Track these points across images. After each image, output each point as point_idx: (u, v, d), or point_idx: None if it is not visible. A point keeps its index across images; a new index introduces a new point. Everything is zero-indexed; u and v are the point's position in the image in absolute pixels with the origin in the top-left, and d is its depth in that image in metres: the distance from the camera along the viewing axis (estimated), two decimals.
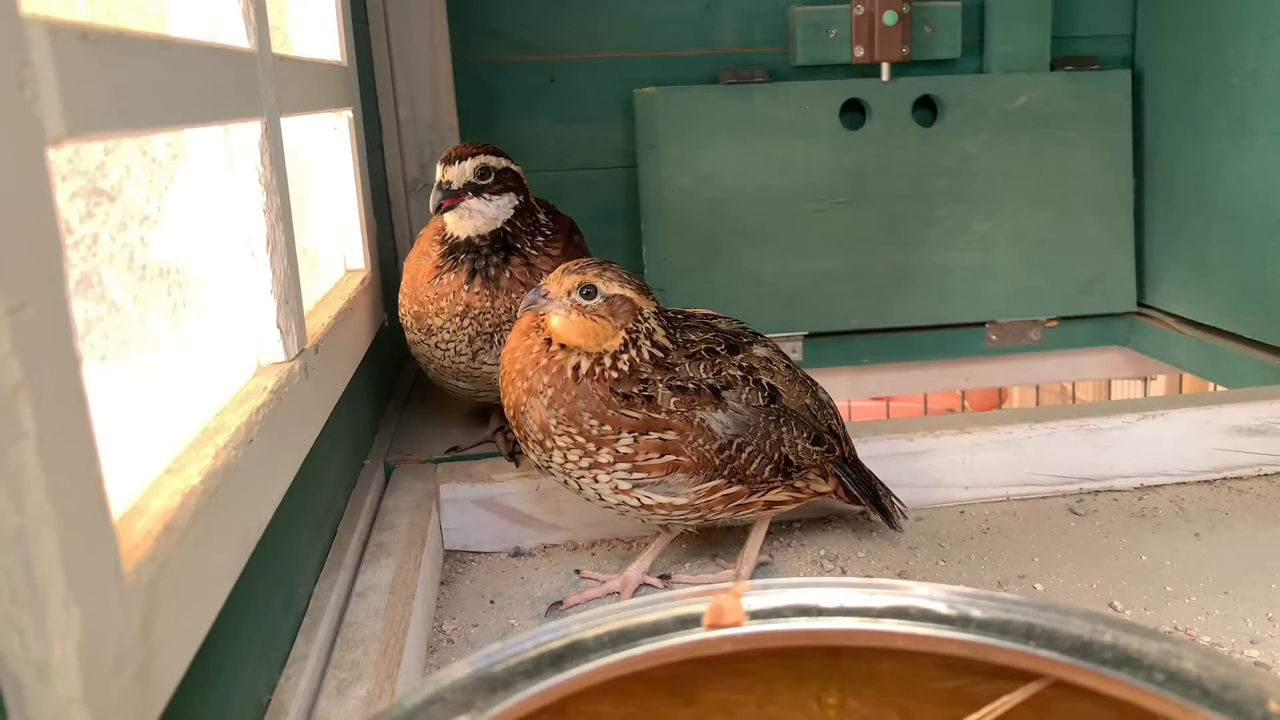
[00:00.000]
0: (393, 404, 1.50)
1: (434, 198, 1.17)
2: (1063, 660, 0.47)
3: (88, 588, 0.44)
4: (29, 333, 0.40)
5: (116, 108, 0.50)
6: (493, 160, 1.18)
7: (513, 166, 1.21)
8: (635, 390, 0.96)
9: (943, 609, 0.50)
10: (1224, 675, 0.43)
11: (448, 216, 1.19)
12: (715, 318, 1.08)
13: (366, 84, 1.55)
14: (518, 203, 1.21)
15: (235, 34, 0.77)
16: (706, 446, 0.98)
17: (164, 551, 0.53)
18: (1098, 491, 1.28)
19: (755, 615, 0.50)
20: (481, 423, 1.39)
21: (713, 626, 0.49)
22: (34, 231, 0.41)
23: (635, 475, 0.98)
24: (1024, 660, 0.48)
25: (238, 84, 0.75)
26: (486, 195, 1.18)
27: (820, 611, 0.51)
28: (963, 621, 0.49)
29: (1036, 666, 0.48)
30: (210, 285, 0.81)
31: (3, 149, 0.39)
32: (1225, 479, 1.30)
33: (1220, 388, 1.71)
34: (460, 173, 1.17)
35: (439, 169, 1.18)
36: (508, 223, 1.20)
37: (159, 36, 0.58)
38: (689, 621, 0.50)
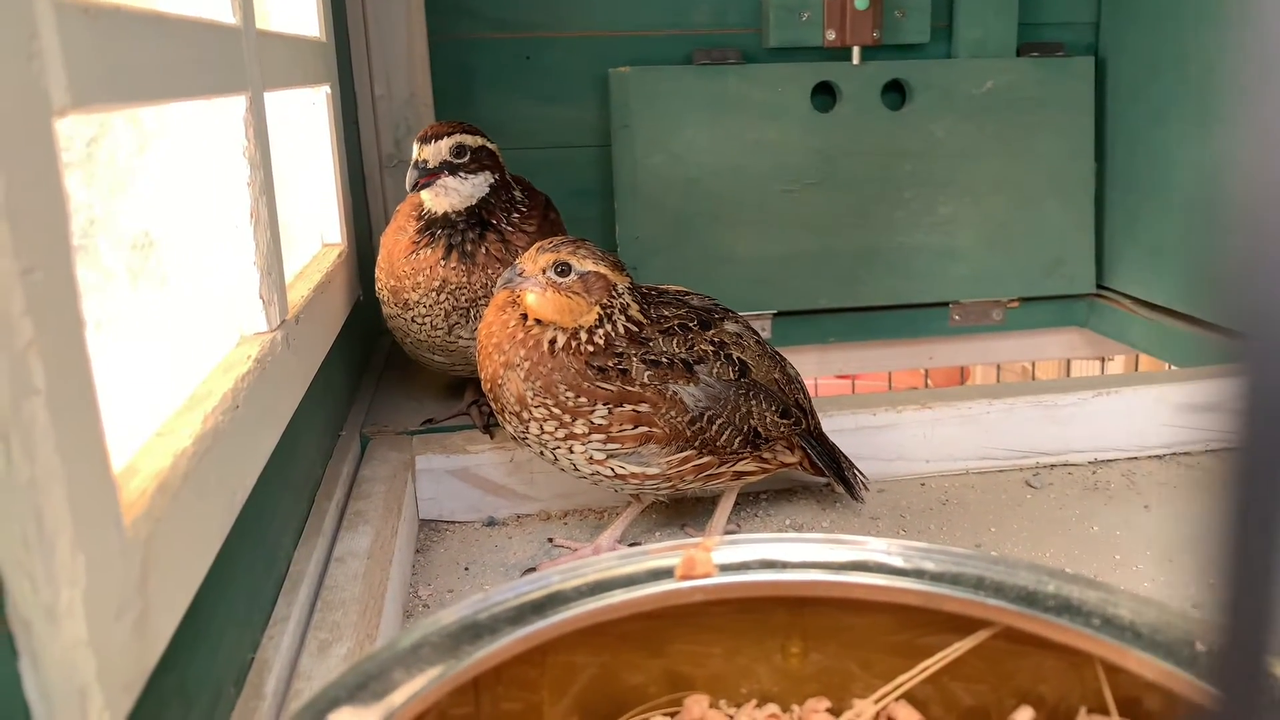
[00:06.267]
0: (368, 377, 1.52)
1: (410, 176, 1.19)
2: (1010, 608, 0.51)
3: (92, 537, 0.46)
4: (39, 294, 0.42)
5: (115, 81, 0.52)
6: (468, 139, 1.20)
7: (488, 145, 1.23)
8: (610, 364, 0.99)
9: (899, 562, 0.53)
10: (1155, 619, 0.47)
11: (424, 194, 1.21)
12: (688, 294, 1.11)
13: (343, 60, 1.56)
14: (493, 180, 1.23)
15: (221, 9, 0.79)
16: (679, 418, 1.01)
17: (159, 509, 0.56)
18: (1053, 465, 1.33)
19: (724, 568, 0.53)
20: (456, 396, 1.41)
21: (684, 578, 0.53)
22: (42, 198, 0.43)
23: (609, 446, 1.01)
24: (974, 609, 0.52)
25: (224, 59, 0.76)
26: (462, 174, 1.20)
27: (785, 565, 0.54)
28: (917, 574, 0.52)
29: (985, 615, 0.52)
30: (195, 256, 0.83)
31: (14, 120, 0.41)
32: (1175, 454, 1.35)
33: (1175, 368, 1.77)
34: (436, 151, 1.18)
35: (415, 147, 1.19)
36: (483, 200, 1.22)
37: (153, 12, 0.59)
38: (661, 574, 0.53)
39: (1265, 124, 0.20)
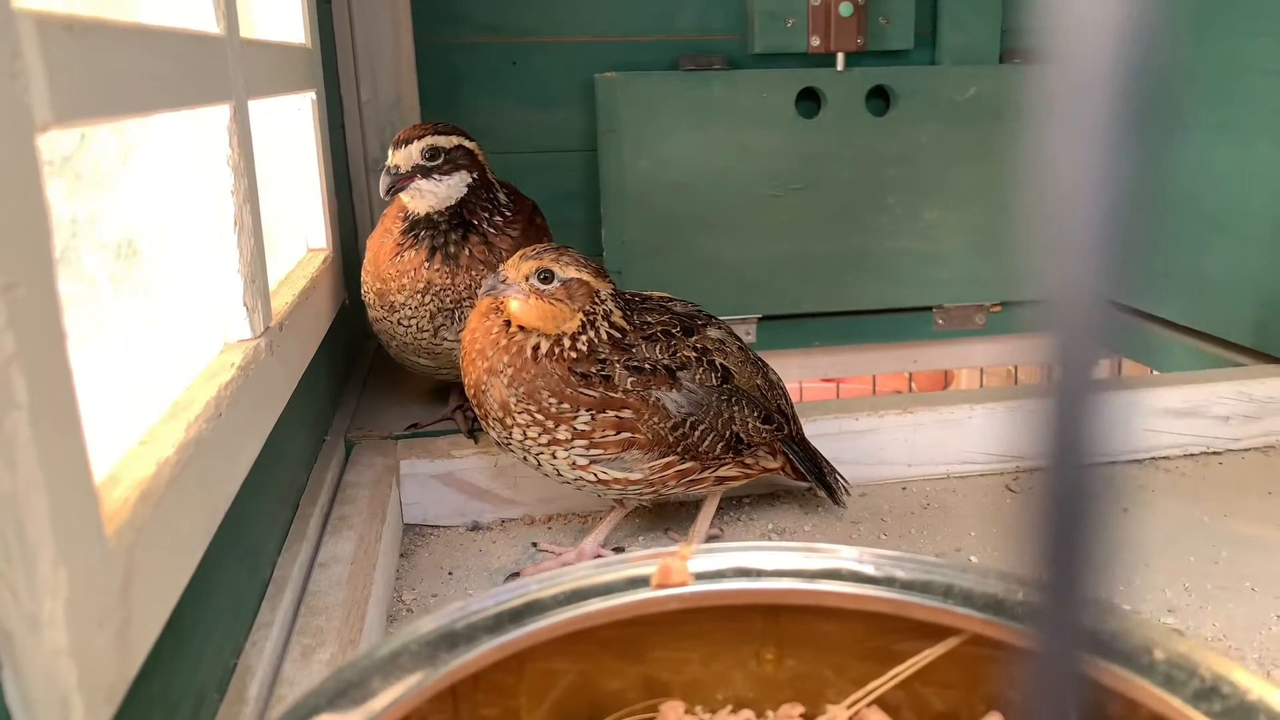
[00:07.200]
0: (353, 382, 1.52)
1: (383, 182, 1.19)
2: (976, 616, 0.52)
3: (74, 549, 0.47)
4: (21, 309, 0.43)
5: (98, 95, 0.52)
6: (441, 140, 1.20)
7: (466, 144, 1.22)
8: (593, 370, 1.00)
9: (870, 570, 0.54)
10: (1116, 627, 0.48)
11: (403, 196, 1.21)
12: (671, 300, 1.11)
13: (329, 64, 1.57)
14: (471, 180, 1.23)
15: (205, 19, 0.79)
16: (661, 424, 1.02)
17: (141, 517, 0.56)
18: (1034, 469, 1.34)
19: (700, 576, 0.54)
20: (441, 401, 1.41)
21: (660, 586, 0.53)
22: (25, 214, 0.44)
23: (592, 452, 1.01)
24: (943, 617, 0.53)
25: (208, 68, 0.77)
26: (436, 176, 1.20)
27: (760, 573, 0.55)
28: (888, 581, 0.53)
29: (954, 622, 0.53)
30: (179, 264, 0.84)
31: None
32: (1153, 458, 1.37)
33: (1155, 372, 1.78)
34: (407, 156, 1.19)
35: (389, 152, 1.20)
36: (463, 200, 1.22)
37: (136, 25, 0.60)
38: (638, 582, 0.54)
39: (1065, 129, 0.22)
